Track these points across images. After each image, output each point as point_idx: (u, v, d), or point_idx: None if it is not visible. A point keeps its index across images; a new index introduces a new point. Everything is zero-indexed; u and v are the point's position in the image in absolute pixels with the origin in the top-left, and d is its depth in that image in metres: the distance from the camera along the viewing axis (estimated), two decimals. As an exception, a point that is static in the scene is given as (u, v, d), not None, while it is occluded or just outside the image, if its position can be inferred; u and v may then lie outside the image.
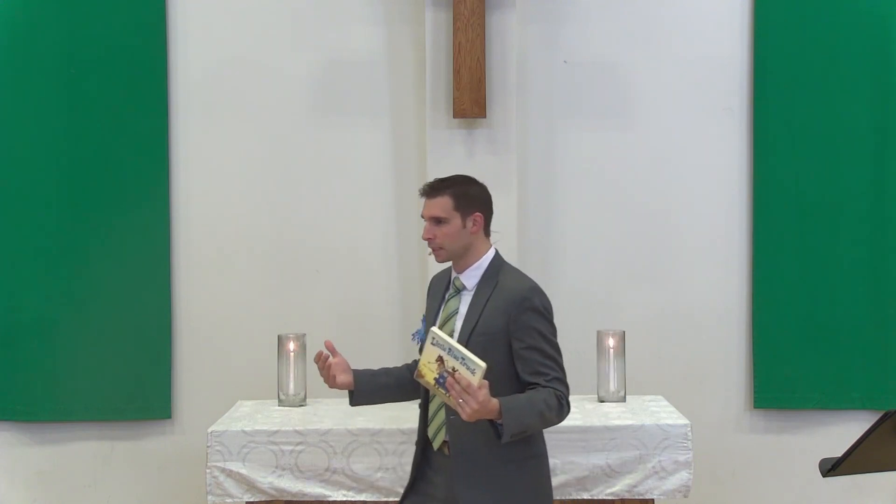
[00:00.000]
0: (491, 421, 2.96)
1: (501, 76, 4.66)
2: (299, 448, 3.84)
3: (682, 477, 3.84)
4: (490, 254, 3.25)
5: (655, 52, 4.91)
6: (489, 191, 3.33)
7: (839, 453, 2.96)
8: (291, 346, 4.35)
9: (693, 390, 4.86)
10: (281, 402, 4.32)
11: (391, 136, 4.90)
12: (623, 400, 4.28)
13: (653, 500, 3.86)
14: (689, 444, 3.84)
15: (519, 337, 3.09)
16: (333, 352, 3.29)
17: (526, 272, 4.78)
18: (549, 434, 3.80)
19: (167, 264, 4.87)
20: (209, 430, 3.89)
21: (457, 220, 3.18)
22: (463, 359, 2.89)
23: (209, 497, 3.84)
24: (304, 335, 4.39)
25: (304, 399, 4.33)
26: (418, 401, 3.32)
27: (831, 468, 2.98)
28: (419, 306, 4.79)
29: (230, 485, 3.83)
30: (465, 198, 3.20)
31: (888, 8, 4.81)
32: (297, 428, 3.88)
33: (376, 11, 4.87)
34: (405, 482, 3.77)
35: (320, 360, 3.26)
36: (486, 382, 2.88)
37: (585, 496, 3.82)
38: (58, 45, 4.80)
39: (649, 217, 4.94)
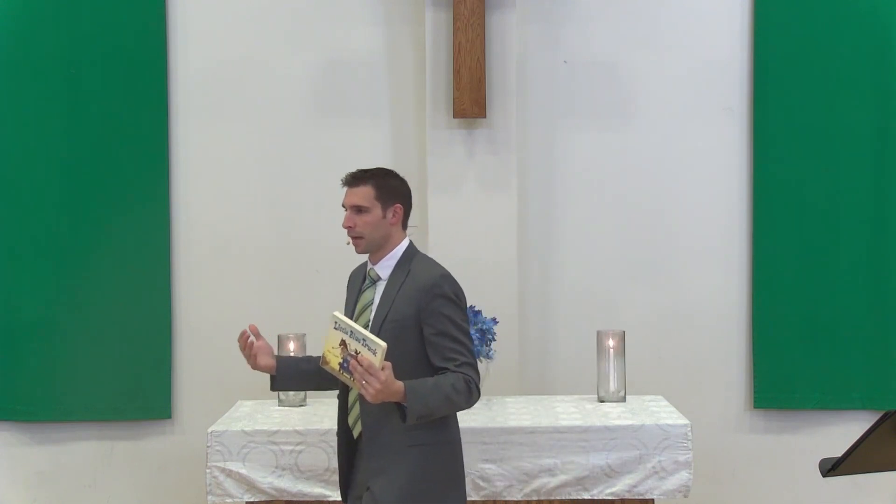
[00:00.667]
0: (398, 404, 2.99)
1: (501, 76, 4.67)
2: (299, 448, 3.84)
3: (682, 477, 3.84)
4: (404, 244, 3.29)
5: (655, 52, 4.91)
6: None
7: (839, 453, 2.96)
8: (291, 346, 4.35)
9: (693, 390, 4.86)
10: (281, 402, 4.32)
11: (391, 136, 4.90)
12: (623, 400, 4.28)
13: (653, 500, 3.86)
14: (689, 444, 3.84)
15: (430, 323, 3.11)
16: (257, 335, 3.30)
17: (526, 272, 4.85)
18: (550, 434, 3.81)
19: (167, 264, 4.87)
20: (209, 430, 3.89)
21: (377, 210, 3.23)
22: (364, 340, 2.91)
23: (209, 497, 3.83)
24: (304, 335, 4.39)
25: (304, 399, 4.33)
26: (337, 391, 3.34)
27: (831, 468, 2.98)
28: (419, 306, 4.80)
29: (230, 485, 3.83)
30: (387, 189, 3.25)
31: (888, 8, 4.81)
32: (297, 428, 3.88)
33: (376, 11, 4.87)
34: (405, 482, 3.78)
35: (242, 340, 3.27)
36: (388, 364, 2.91)
37: (585, 496, 3.82)
38: (58, 45, 4.80)
39: (649, 217, 4.94)
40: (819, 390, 4.87)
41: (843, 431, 4.75)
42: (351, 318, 3.16)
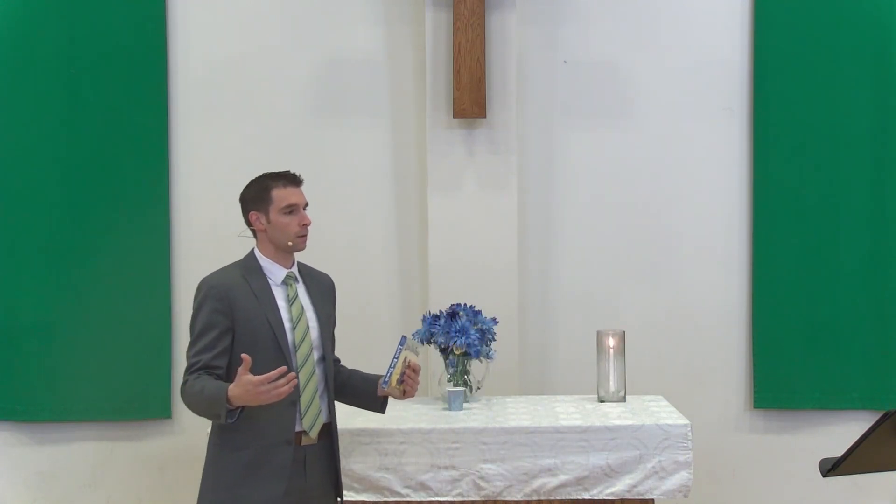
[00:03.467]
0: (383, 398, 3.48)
1: (501, 76, 4.67)
2: (299, 448, 3.83)
3: (682, 477, 3.84)
4: None
5: (655, 52, 4.91)
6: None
7: (839, 453, 2.97)
8: (291, 346, 4.34)
9: (693, 390, 4.86)
10: (281, 402, 4.31)
11: (391, 136, 4.90)
12: (623, 400, 4.28)
13: (653, 500, 3.86)
14: (689, 444, 3.84)
15: (334, 321, 3.49)
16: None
17: (526, 272, 4.86)
18: (550, 434, 3.81)
19: (167, 264, 4.87)
20: (209, 430, 3.88)
21: None
22: (414, 346, 3.28)
23: (209, 497, 3.83)
24: (304, 335, 4.38)
25: (304, 399, 4.33)
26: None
27: (831, 468, 2.98)
28: (419, 305, 4.80)
29: (230, 485, 3.82)
30: None
31: (888, 8, 4.82)
32: (297, 428, 3.87)
33: (376, 11, 4.87)
34: (405, 482, 3.79)
35: (287, 381, 3.11)
36: None
37: (585, 496, 3.82)
38: (58, 45, 4.80)
39: (649, 217, 4.94)
40: (819, 390, 4.87)
41: (843, 431, 4.75)
42: (282, 323, 3.27)
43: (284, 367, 3.08)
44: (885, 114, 4.83)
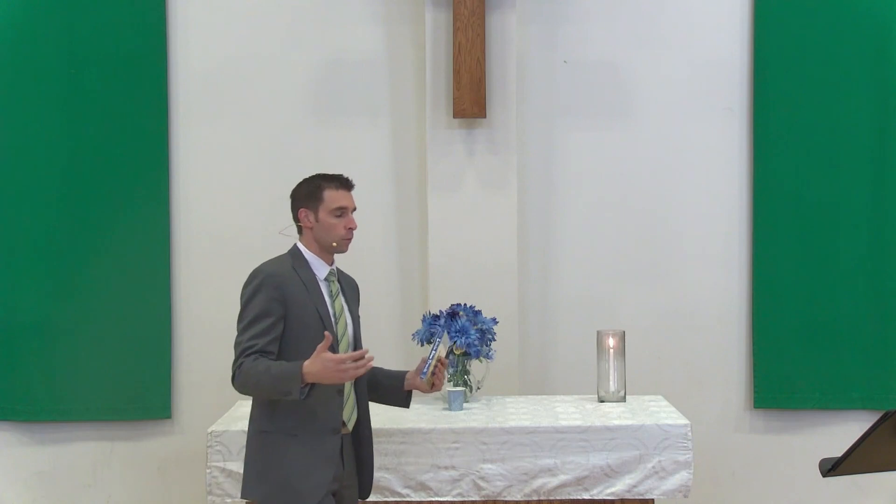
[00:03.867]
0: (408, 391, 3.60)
1: (501, 76, 4.67)
2: (299, 448, 3.83)
3: (682, 477, 3.84)
4: None
5: (655, 52, 4.91)
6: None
7: (839, 453, 2.97)
8: (291, 346, 4.34)
9: (693, 390, 4.86)
10: (281, 402, 4.31)
11: (391, 136, 4.90)
12: (623, 400, 4.28)
13: (653, 500, 3.86)
14: (689, 444, 3.84)
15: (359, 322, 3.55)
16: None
17: (526, 272, 4.87)
18: (550, 434, 3.81)
19: (167, 264, 4.87)
20: (209, 430, 3.89)
21: None
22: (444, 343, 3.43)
23: (209, 497, 3.83)
24: (304, 335, 4.38)
25: (304, 399, 4.33)
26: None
27: (831, 468, 2.98)
28: (419, 305, 4.80)
29: (230, 485, 3.82)
30: None
31: (888, 8, 4.82)
32: (296, 428, 3.87)
33: (376, 11, 4.87)
34: (405, 482, 3.79)
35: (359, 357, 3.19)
36: None
37: (585, 496, 3.81)
38: (58, 45, 4.80)
39: (649, 217, 4.94)
40: (819, 390, 4.87)
41: (843, 431, 4.75)
42: (331, 317, 3.35)
43: (364, 350, 3.19)
44: (885, 114, 4.83)
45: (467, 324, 4.23)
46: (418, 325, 4.38)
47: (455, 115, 4.61)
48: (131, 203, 4.84)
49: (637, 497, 3.83)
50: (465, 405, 4.16)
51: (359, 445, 3.42)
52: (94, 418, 4.85)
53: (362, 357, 3.15)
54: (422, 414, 4.06)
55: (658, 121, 4.92)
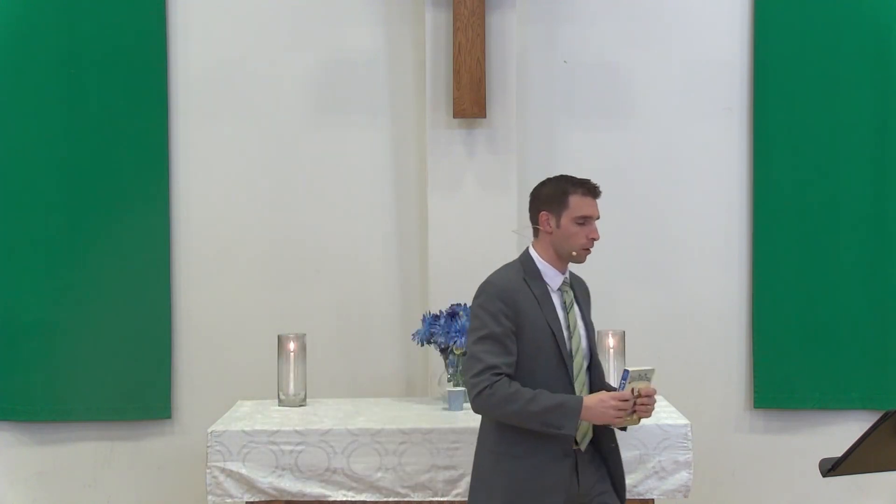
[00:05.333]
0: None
1: (501, 76, 4.67)
2: (299, 448, 3.84)
3: (682, 477, 3.84)
4: None
5: (655, 52, 4.91)
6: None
7: (839, 453, 2.97)
8: (291, 346, 4.35)
9: (693, 390, 4.86)
10: (281, 402, 4.32)
11: (391, 136, 4.90)
12: (623, 400, 4.27)
13: (653, 500, 3.86)
14: (689, 444, 3.84)
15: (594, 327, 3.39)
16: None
17: (526, 272, 4.84)
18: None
19: (167, 264, 4.87)
20: (209, 430, 3.89)
21: None
22: (645, 374, 3.12)
23: (209, 497, 3.83)
24: (304, 335, 4.39)
25: (304, 399, 4.33)
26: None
27: (831, 468, 2.98)
28: (419, 306, 4.79)
29: (230, 485, 3.83)
30: None
31: (888, 8, 4.81)
32: (297, 428, 3.88)
33: (376, 11, 4.87)
34: (405, 482, 3.79)
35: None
36: None
37: (585, 496, 3.81)
38: (58, 45, 4.80)
39: (649, 217, 4.94)
40: (819, 390, 4.87)
41: (843, 431, 4.75)
42: (561, 330, 3.20)
43: (652, 389, 3.14)
44: (885, 114, 4.83)
45: (467, 324, 4.22)
46: (418, 325, 4.38)
47: (455, 115, 4.61)
48: (131, 203, 4.84)
49: (637, 497, 3.83)
50: (465, 405, 4.16)
51: (606, 460, 3.27)
52: (94, 418, 4.85)
53: (650, 396, 3.12)
54: (422, 414, 4.07)
55: (658, 121, 4.92)
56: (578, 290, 3.33)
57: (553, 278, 3.26)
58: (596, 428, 3.23)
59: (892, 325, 4.84)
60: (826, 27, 4.82)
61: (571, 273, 3.35)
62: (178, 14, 4.88)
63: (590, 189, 3.28)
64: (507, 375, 3.11)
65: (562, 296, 3.26)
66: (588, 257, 3.28)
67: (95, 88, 4.81)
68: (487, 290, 3.22)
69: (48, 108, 4.81)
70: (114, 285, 4.82)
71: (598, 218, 3.30)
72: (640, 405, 3.11)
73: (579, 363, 3.21)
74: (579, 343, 3.23)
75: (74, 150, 4.82)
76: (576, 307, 3.28)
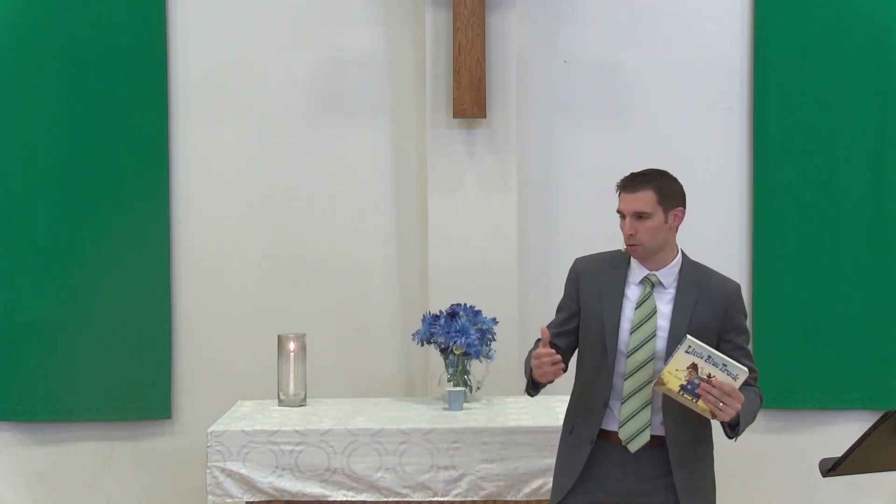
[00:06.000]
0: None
1: (501, 76, 4.67)
2: (299, 448, 3.84)
3: (682, 477, 3.83)
4: (681, 251, 3.27)
5: (655, 52, 4.91)
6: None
7: (839, 453, 2.96)
8: (291, 346, 4.35)
9: (693, 390, 4.85)
10: (281, 402, 4.32)
11: (391, 136, 4.90)
12: (623, 400, 4.27)
13: (653, 500, 3.86)
14: (689, 444, 3.83)
15: (729, 338, 3.15)
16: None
17: (525, 273, 4.86)
18: (550, 434, 3.81)
19: (167, 264, 4.87)
20: (209, 430, 3.89)
21: (659, 215, 3.18)
22: (724, 365, 3.00)
23: (209, 497, 3.83)
24: (304, 335, 4.39)
25: (304, 399, 4.33)
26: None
27: (831, 468, 2.98)
28: (419, 306, 4.80)
29: (230, 485, 3.83)
30: (670, 192, 3.21)
31: (888, 8, 4.81)
32: (297, 428, 3.88)
33: (376, 11, 4.87)
34: (405, 482, 3.79)
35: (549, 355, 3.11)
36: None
37: (585, 496, 3.81)
38: (58, 45, 4.80)
39: (649, 217, 4.93)
40: (819, 390, 4.87)
41: (843, 431, 4.75)
42: (619, 323, 3.15)
43: (553, 352, 3.07)
44: (885, 114, 4.83)
45: (467, 324, 4.23)
46: (418, 325, 4.38)
47: (455, 115, 4.61)
48: (131, 203, 4.84)
49: (637, 497, 3.82)
50: (465, 405, 4.17)
51: (673, 471, 3.14)
52: (94, 418, 4.85)
53: (552, 356, 3.05)
54: (422, 414, 4.07)
55: (658, 121, 4.92)
56: (701, 294, 3.15)
57: (636, 272, 3.20)
58: (669, 436, 3.14)
59: (892, 325, 4.84)
60: (826, 27, 4.82)
61: (709, 278, 3.21)
62: (178, 14, 4.88)
63: (621, 184, 3.25)
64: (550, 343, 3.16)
65: (641, 289, 3.18)
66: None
67: (95, 89, 4.81)
68: (573, 264, 3.34)
69: (48, 108, 4.81)
70: (114, 285, 4.82)
71: (635, 213, 3.18)
72: (702, 390, 2.98)
73: (638, 360, 3.12)
74: (645, 341, 3.12)
75: (74, 150, 4.82)
76: (661, 306, 3.15)
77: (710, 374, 2.99)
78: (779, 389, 4.87)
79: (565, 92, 4.91)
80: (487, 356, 4.27)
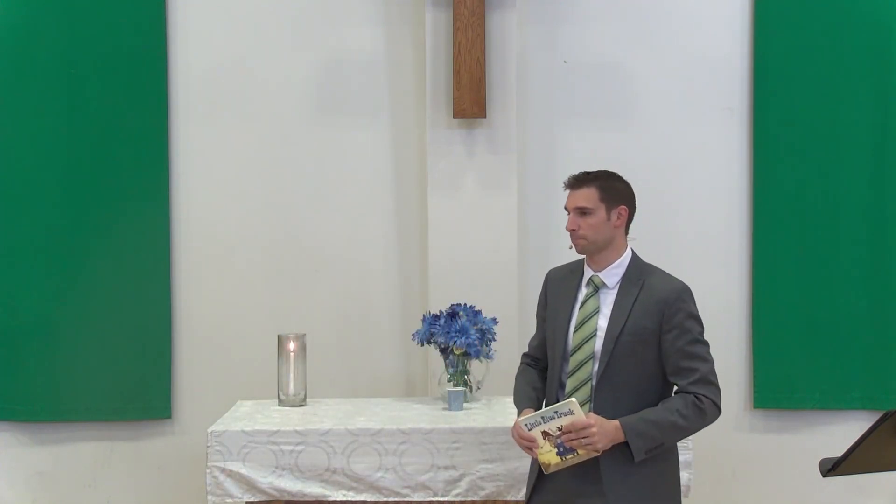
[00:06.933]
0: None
1: (501, 76, 4.67)
2: (299, 448, 3.84)
3: (682, 477, 3.83)
4: (629, 252, 3.28)
5: (655, 52, 4.91)
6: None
7: (839, 453, 2.96)
8: (291, 346, 4.35)
9: (693, 390, 4.85)
10: (281, 402, 4.32)
11: (391, 136, 4.90)
12: (623, 400, 4.27)
13: (653, 500, 3.86)
14: (690, 444, 3.84)
15: (669, 339, 3.15)
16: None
17: (525, 273, 4.86)
18: (549, 434, 3.81)
19: (167, 264, 4.87)
20: (209, 430, 3.89)
21: (601, 212, 3.23)
22: (555, 412, 3.05)
23: (209, 497, 3.83)
24: (304, 335, 4.39)
25: (304, 399, 4.33)
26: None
27: (831, 468, 2.98)
28: (419, 306, 4.80)
29: (230, 485, 3.82)
30: (612, 190, 3.25)
31: (888, 8, 4.81)
32: (297, 428, 3.88)
33: (376, 11, 4.87)
34: (405, 482, 3.79)
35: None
36: (591, 414, 3.07)
37: (585, 496, 3.81)
38: (58, 45, 4.80)
39: (649, 217, 4.89)
40: (819, 390, 4.87)
41: (843, 431, 4.75)
42: (569, 325, 3.23)
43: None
44: (885, 114, 4.83)
45: (467, 324, 4.23)
46: (418, 325, 4.38)
47: (455, 115, 4.61)
48: (131, 203, 4.84)
49: (637, 497, 3.82)
50: (465, 405, 4.16)
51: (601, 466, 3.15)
52: (94, 418, 4.85)
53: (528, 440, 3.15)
54: (422, 414, 4.07)
55: (658, 121, 4.92)
56: (641, 295, 3.18)
57: (585, 273, 3.30)
58: None
59: (892, 325, 4.84)
60: (826, 27, 4.82)
61: (657, 279, 3.23)
62: (178, 15, 4.88)
63: (567, 181, 3.32)
64: (534, 358, 3.45)
65: (585, 291, 3.26)
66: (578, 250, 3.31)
67: (96, 89, 4.81)
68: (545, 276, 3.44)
69: (48, 109, 4.81)
70: (114, 285, 4.83)
71: (580, 210, 3.25)
72: (566, 441, 3.06)
73: (578, 360, 3.20)
74: (585, 341, 3.20)
75: (75, 150, 4.82)
76: (603, 306, 3.20)
77: (558, 427, 3.07)
78: (779, 389, 4.88)
79: (565, 92, 4.91)
80: (487, 356, 4.27)
